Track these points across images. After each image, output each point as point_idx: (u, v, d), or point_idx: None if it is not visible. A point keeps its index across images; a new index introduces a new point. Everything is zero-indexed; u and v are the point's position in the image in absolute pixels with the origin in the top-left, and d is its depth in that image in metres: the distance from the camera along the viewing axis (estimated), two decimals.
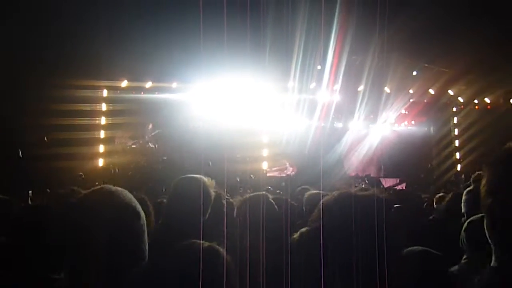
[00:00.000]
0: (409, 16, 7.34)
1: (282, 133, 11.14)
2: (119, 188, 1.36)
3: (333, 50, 9.37)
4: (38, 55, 7.66)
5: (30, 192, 5.13)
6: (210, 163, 7.46)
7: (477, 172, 3.83)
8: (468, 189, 2.62)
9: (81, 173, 8.44)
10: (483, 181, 1.03)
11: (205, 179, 2.07)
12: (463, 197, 2.58)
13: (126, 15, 7.57)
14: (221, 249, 1.15)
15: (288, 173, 11.17)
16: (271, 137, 11.16)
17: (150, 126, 10.75)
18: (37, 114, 7.88)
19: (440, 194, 4.11)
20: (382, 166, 12.72)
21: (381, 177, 12.08)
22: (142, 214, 1.34)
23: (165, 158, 9.81)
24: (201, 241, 1.19)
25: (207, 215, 1.94)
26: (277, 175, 10.98)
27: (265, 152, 10.98)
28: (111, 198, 1.31)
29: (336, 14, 7.97)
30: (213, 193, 2.06)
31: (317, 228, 1.17)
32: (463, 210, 2.54)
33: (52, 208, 1.85)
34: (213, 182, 2.13)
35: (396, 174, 12.09)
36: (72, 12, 7.19)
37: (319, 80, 10.80)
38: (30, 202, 4.16)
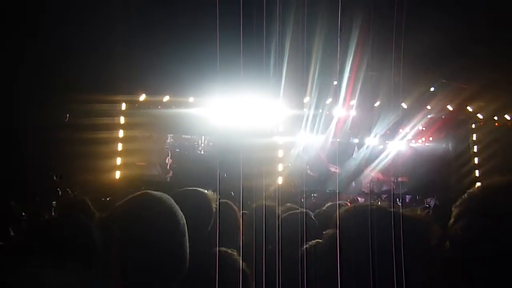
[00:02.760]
0: (426, 31, 7.32)
1: (298, 148, 11.13)
2: (161, 194, 1.36)
3: (350, 65, 9.37)
4: (57, 70, 7.85)
5: (53, 202, 5.18)
6: (225, 174, 7.48)
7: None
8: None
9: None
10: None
11: (205, 191, 2.07)
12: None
13: (143, 29, 7.72)
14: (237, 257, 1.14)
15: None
16: (286, 152, 11.17)
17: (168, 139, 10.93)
18: (56, 128, 8.02)
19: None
20: (400, 183, 12.55)
21: (397, 193, 11.92)
22: (183, 220, 1.33)
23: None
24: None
25: (209, 227, 1.93)
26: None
27: (280, 167, 10.96)
28: (152, 204, 1.31)
29: (353, 29, 7.99)
30: (214, 206, 2.04)
31: (331, 239, 1.16)
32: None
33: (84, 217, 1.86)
34: (215, 195, 2.12)
35: (413, 191, 11.90)
36: (91, 27, 7.36)
37: (336, 95, 10.80)
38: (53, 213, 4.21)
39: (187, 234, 1.34)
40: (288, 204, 3.07)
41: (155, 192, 1.36)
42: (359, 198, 10.01)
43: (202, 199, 2.01)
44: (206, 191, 2.08)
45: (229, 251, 1.86)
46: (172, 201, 1.35)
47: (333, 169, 11.77)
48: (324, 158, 11.61)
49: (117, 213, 1.33)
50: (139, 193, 1.37)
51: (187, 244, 1.33)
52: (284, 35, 7.84)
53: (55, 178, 7.56)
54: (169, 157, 11.07)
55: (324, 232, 1.30)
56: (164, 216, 1.31)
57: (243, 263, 1.80)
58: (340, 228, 1.19)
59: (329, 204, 4.16)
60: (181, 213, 1.35)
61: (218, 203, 2.08)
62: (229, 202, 2.52)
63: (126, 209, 1.32)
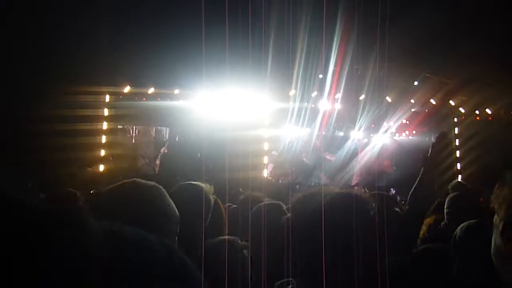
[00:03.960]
0: (410, 26, 7.39)
1: (283, 141, 11.19)
2: (149, 182, 1.36)
3: (334, 59, 9.42)
4: (41, 62, 7.72)
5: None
6: (210, 166, 7.49)
7: (455, 181, 3.97)
8: (450, 196, 2.74)
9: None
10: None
11: (204, 185, 2.08)
12: (445, 204, 2.71)
13: (129, 21, 7.63)
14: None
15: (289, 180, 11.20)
16: (272, 145, 11.22)
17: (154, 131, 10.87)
18: (39, 120, 7.90)
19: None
20: (383, 176, 12.71)
21: (380, 186, 12.08)
22: (172, 209, 1.32)
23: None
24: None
25: (208, 221, 1.95)
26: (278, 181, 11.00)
27: (266, 159, 11.00)
28: (138, 192, 1.30)
29: (338, 23, 8.03)
30: (212, 199, 2.08)
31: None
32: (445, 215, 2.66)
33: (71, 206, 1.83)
34: (212, 188, 2.15)
35: (396, 183, 12.08)
36: (73, 17, 7.24)
37: (321, 89, 10.86)
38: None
39: (176, 221, 1.34)
40: (266, 198, 3.08)
41: (144, 181, 1.37)
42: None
43: (199, 192, 2.02)
44: (203, 184, 2.09)
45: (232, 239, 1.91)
46: (162, 190, 1.36)
47: (328, 157, 11.95)
48: (320, 146, 11.76)
49: (104, 197, 1.33)
50: (127, 180, 1.37)
51: (176, 231, 1.33)
52: (270, 28, 7.84)
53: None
54: (164, 148, 10.99)
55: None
56: (152, 202, 1.31)
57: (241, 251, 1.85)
58: (295, 212, 1.24)
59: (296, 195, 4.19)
60: (170, 200, 1.36)
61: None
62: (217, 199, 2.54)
63: (113, 194, 1.32)
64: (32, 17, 6.92)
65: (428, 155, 2.80)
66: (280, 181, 10.97)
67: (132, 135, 11.10)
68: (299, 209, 1.25)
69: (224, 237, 2.01)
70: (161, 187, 1.37)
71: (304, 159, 11.86)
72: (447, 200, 2.85)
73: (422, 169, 2.76)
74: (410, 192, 2.74)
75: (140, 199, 1.29)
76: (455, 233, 2.00)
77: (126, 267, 1.03)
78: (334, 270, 1.10)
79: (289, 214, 1.33)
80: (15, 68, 7.43)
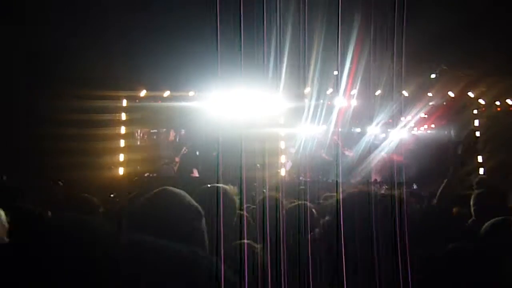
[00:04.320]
0: (427, 18, 7.26)
1: (300, 139, 11.14)
2: (179, 190, 1.40)
3: (350, 55, 9.32)
4: (58, 66, 7.83)
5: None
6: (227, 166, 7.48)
7: (480, 177, 3.89)
8: (476, 193, 2.70)
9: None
10: None
11: (228, 187, 2.10)
12: (472, 201, 2.67)
13: (142, 25, 7.68)
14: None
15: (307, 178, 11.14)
16: (289, 143, 11.19)
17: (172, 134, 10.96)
18: (56, 124, 8.01)
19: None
20: (403, 171, 12.54)
21: (400, 182, 11.92)
22: (200, 212, 1.37)
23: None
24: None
25: (234, 221, 1.97)
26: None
27: (283, 158, 10.97)
28: (175, 199, 1.35)
29: (353, 18, 7.94)
30: (237, 201, 2.09)
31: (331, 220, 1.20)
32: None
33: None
34: (235, 189, 2.16)
35: (415, 178, 11.90)
36: (91, 22, 7.33)
37: (336, 85, 10.76)
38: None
39: (202, 230, 1.37)
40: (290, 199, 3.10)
41: (173, 188, 1.41)
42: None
43: (225, 195, 2.05)
44: (227, 186, 2.13)
45: (253, 243, 1.91)
46: (188, 197, 1.40)
47: (347, 153, 11.88)
48: (340, 142, 11.69)
49: (140, 206, 1.36)
50: (158, 189, 1.41)
51: (206, 237, 1.37)
52: (284, 26, 7.79)
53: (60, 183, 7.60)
54: (184, 149, 11.04)
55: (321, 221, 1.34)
56: (183, 210, 1.35)
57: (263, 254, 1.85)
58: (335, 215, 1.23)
59: (325, 195, 4.17)
60: (198, 206, 1.39)
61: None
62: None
63: (148, 203, 1.36)
64: (49, 21, 7.02)
65: (458, 153, 2.77)
66: (300, 178, 10.93)
67: (148, 138, 11.18)
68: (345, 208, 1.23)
69: (247, 241, 2.01)
70: (185, 193, 1.40)
71: (323, 155, 11.79)
72: (473, 197, 2.81)
73: (452, 168, 2.73)
74: (440, 190, 2.70)
75: (171, 205, 1.34)
76: (482, 230, 1.96)
77: (148, 275, 1.03)
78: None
79: (327, 217, 1.30)
80: (32, 72, 7.56)
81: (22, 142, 7.73)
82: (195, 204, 1.41)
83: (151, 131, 11.36)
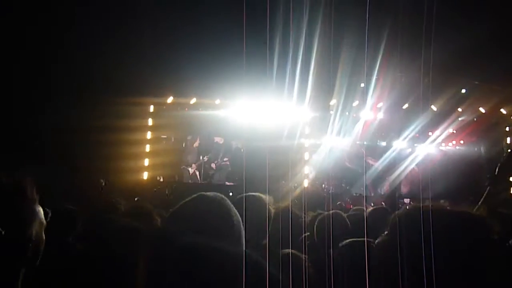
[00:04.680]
0: (457, 32, 7.13)
1: (324, 150, 11.06)
2: (216, 194, 1.42)
3: (377, 67, 9.23)
4: (87, 73, 8.05)
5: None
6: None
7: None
8: None
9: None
10: None
11: (264, 196, 2.14)
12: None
13: (171, 33, 7.83)
14: None
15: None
16: (312, 154, 11.14)
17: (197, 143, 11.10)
18: (88, 130, 8.22)
19: None
20: (430, 187, 12.26)
21: (426, 198, 11.65)
22: (237, 218, 1.38)
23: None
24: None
25: (268, 231, 2.01)
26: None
27: (307, 170, 10.91)
28: (212, 205, 1.38)
29: (381, 30, 7.88)
30: (272, 210, 2.12)
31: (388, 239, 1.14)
32: None
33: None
34: (272, 198, 2.20)
35: (443, 195, 11.60)
36: (120, 30, 7.51)
37: (363, 98, 10.67)
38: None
39: (243, 233, 1.40)
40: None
41: (209, 193, 1.43)
42: (383, 203, 9.88)
43: (262, 204, 2.09)
44: (264, 196, 2.16)
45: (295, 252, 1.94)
46: (227, 201, 1.42)
47: (371, 162, 11.73)
48: (363, 151, 11.57)
49: (180, 212, 1.40)
50: (194, 195, 1.44)
51: (243, 242, 1.39)
52: (311, 38, 7.80)
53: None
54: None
55: (383, 234, 1.27)
56: (219, 216, 1.37)
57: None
58: (395, 231, 1.16)
59: (356, 207, 4.14)
60: (236, 212, 1.41)
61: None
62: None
63: (187, 208, 1.39)
64: (78, 29, 7.24)
65: (496, 173, 2.67)
66: (323, 186, 10.85)
67: (175, 143, 11.31)
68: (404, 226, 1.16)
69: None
70: (224, 197, 1.42)
71: (347, 163, 11.66)
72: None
73: (488, 189, 2.63)
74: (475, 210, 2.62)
75: (210, 211, 1.36)
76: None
77: (202, 274, 1.06)
78: None
79: (385, 232, 1.24)
80: (63, 81, 7.80)
81: (54, 147, 7.96)
82: (234, 209, 1.43)
83: (176, 137, 11.47)
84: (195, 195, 1.44)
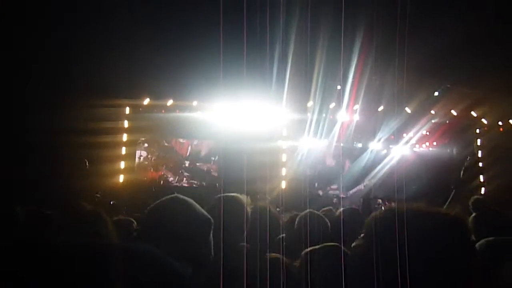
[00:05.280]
0: (431, 35, 7.30)
1: (301, 152, 11.14)
2: (188, 199, 1.43)
3: (353, 70, 9.36)
4: (62, 74, 7.88)
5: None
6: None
7: (474, 197, 3.88)
8: (472, 217, 2.72)
9: (98, 193, 8.50)
10: None
11: (242, 196, 2.14)
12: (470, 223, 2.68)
13: (146, 34, 7.75)
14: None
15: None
16: (290, 156, 11.20)
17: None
18: (60, 132, 8.03)
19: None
20: (403, 188, 12.48)
21: (400, 198, 11.85)
22: (209, 221, 1.39)
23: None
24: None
25: (245, 230, 2.02)
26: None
27: (283, 171, 10.96)
28: (183, 206, 1.37)
29: (357, 33, 8.00)
30: (249, 211, 2.13)
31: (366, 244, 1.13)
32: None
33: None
34: (249, 199, 2.21)
35: (416, 196, 11.83)
36: (95, 31, 7.40)
37: (339, 100, 10.80)
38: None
39: (210, 234, 1.40)
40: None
41: (183, 197, 1.44)
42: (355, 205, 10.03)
43: (240, 204, 2.09)
44: (241, 196, 2.17)
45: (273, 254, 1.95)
46: (197, 206, 1.43)
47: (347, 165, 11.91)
48: (338, 155, 11.71)
49: (150, 215, 1.39)
50: (169, 196, 1.45)
51: (211, 242, 1.39)
52: (287, 40, 7.85)
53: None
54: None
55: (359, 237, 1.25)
56: (191, 219, 1.38)
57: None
58: (372, 232, 1.14)
59: (325, 208, 4.19)
60: (208, 216, 1.42)
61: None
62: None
63: (158, 209, 1.39)
64: (52, 30, 7.09)
65: (460, 177, 2.78)
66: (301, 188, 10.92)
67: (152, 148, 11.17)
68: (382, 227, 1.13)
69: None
70: (193, 202, 1.43)
71: (327, 162, 11.79)
72: (470, 219, 2.82)
73: (454, 191, 2.73)
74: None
75: (182, 213, 1.36)
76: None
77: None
78: None
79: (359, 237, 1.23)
80: (35, 82, 7.61)
81: (26, 150, 7.75)
82: (205, 213, 1.43)
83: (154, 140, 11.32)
84: (168, 197, 1.44)
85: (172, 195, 1.49)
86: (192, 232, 1.34)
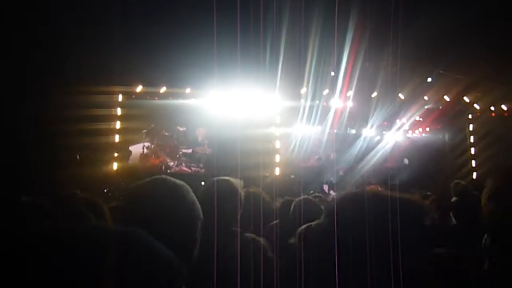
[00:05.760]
0: (424, 22, 7.30)
1: (295, 139, 11.17)
2: (175, 180, 1.36)
3: (347, 56, 9.35)
4: (54, 62, 7.79)
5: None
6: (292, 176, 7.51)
7: (455, 182, 3.94)
8: (455, 200, 2.78)
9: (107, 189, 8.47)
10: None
11: (234, 180, 2.15)
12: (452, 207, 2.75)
13: (140, 21, 7.67)
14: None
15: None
16: (284, 143, 11.22)
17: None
18: (53, 120, 7.98)
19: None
20: (396, 174, 12.61)
21: (394, 184, 11.98)
22: (198, 208, 1.32)
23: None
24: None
25: (239, 213, 2.04)
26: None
27: (277, 158, 11.00)
28: (167, 188, 1.30)
29: (350, 20, 7.97)
30: (243, 193, 2.15)
31: (328, 222, 1.18)
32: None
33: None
34: (242, 182, 2.22)
35: (409, 182, 11.98)
36: (87, 18, 7.31)
37: (333, 86, 10.80)
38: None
39: (199, 218, 1.35)
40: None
41: (173, 179, 1.37)
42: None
43: (233, 188, 2.10)
44: (234, 180, 2.18)
45: (256, 237, 1.96)
46: (189, 189, 1.36)
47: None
48: (331, 143, 11.71)
49: (133, 190, 1.34)
50: (158, 176, 1.38)
51: (198, 226, 1.33)
52: (281, 26, 7.81)
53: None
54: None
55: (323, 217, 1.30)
56: (180, 200, 1.32)
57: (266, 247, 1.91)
58: (333, 214, 1.19)
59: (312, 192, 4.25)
60: (196, 200, 1.36)
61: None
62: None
63: (143, 189, 1.33)
64: (45, 18, 6.99)
65: (452, 164, 2.84)
66: (292, 177, 10.96)
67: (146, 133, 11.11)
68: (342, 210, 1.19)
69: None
70: (187, 186, 1.37)
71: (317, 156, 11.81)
72: (452, 204, 2.89)
73: (443, 177, 2.79)
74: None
75: (168, 195, 1.29)
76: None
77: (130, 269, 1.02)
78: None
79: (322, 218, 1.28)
80: (26, 69, 7.52)
81: (18, 139, 7.70)
82: (192, 197, 1.35)
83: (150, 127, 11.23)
84: (157, 176, 1.37)
85: (159, 176, 1.42)
86: (177, 218, 1.28)
